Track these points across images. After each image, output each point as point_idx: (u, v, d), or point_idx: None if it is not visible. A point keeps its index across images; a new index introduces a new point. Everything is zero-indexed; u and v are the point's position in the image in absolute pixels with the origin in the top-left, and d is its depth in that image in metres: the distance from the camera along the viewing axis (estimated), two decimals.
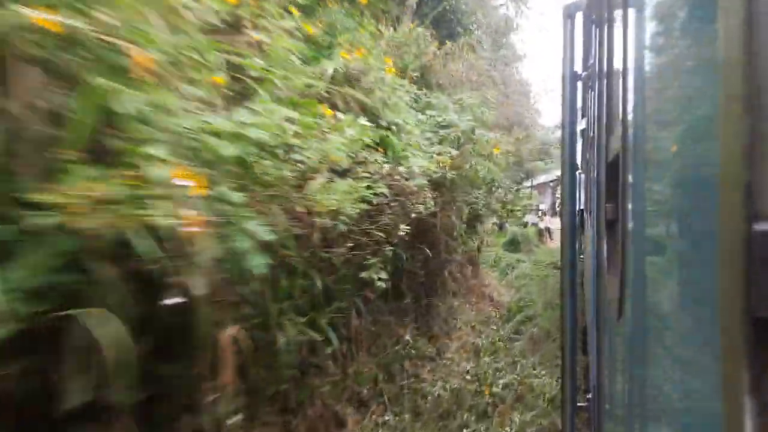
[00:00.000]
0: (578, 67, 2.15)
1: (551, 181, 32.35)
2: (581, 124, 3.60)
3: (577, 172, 2.93)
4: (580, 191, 3.89)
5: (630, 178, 1.04)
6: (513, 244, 16.12)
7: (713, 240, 0.47)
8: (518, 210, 24.08)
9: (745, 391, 0.39)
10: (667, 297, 0.76)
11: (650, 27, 0.94)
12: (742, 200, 0.40)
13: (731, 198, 0.42)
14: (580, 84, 2.36)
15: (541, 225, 21.22)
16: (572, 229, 1.99)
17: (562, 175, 1.97)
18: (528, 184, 29.58)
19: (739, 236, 0.40)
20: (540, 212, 23.80)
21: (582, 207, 4.03)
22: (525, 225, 21.78)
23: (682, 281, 0.67)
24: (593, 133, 2.34)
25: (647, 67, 0.96)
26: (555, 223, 22.98)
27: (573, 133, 2.09)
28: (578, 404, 2.01)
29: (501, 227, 21.02)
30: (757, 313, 0.39)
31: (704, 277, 0.54)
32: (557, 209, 28.85)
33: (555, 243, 18.82)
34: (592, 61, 2.33)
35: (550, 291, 8.68)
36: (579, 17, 2.09)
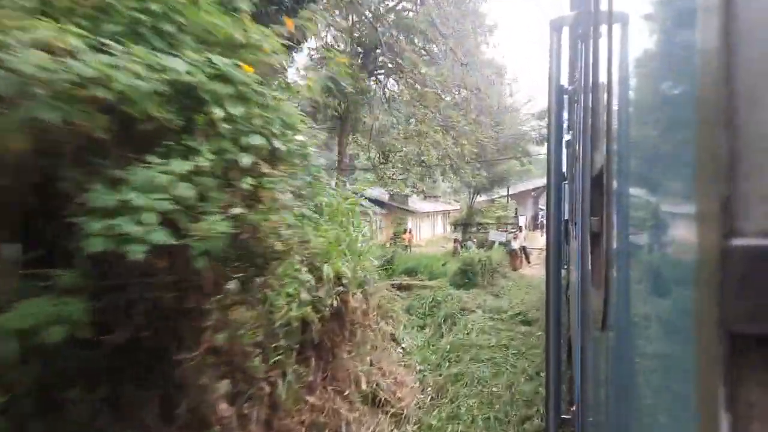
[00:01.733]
0: (565, 81, 2.19)
1: (533, 190, 30.80)
2: (567, 137, 3.65)
3: (563, 183, 2.97)
4: (565, 202, 3.94)
5: (614, 192, 1.05)
6: (465, 277, 10.74)
7: (692, 254, 0.47)
8: (491, 223, 21.09)
9: (721, 404, 0.40)
10: (648, 310, 0.76)
11: (634, 42, 0.96)
12: (720, 215, 0.40)
13: (709, 213, 0.42)
14: (566, 97, 2.40)
15: (515, 244, 15.85)
16: (558, 246, 2.01)
17: (548, 189, 2.00)
18: (503, 192, 26.61)
19: (717, 251, 0.40)
20: (516, 227, 19.21)
21: (566, 218, 4.07)
22: (491, 246, 16.62)
23: (663, 295, 0.68)
24: (579, 146, 2.37)
25: (631, 82, 0.97)
26: (534, 240, 19.63)
27: (559, 146, 2.12)
28: (562, 416, 2.01)
29: (463, 245, 17.61)
30: (734, 328, 0.39)
31: (683, 291, 0.54)
32: (539, 222, 27.74)
33: (533, 268, 15.01)
34: (578, 75, 2.37)
35: (503, 403, 4.48)
36: (565, 32, 2.13)
